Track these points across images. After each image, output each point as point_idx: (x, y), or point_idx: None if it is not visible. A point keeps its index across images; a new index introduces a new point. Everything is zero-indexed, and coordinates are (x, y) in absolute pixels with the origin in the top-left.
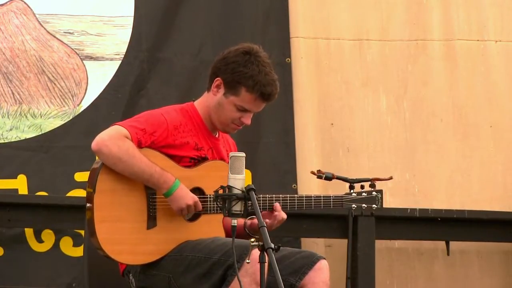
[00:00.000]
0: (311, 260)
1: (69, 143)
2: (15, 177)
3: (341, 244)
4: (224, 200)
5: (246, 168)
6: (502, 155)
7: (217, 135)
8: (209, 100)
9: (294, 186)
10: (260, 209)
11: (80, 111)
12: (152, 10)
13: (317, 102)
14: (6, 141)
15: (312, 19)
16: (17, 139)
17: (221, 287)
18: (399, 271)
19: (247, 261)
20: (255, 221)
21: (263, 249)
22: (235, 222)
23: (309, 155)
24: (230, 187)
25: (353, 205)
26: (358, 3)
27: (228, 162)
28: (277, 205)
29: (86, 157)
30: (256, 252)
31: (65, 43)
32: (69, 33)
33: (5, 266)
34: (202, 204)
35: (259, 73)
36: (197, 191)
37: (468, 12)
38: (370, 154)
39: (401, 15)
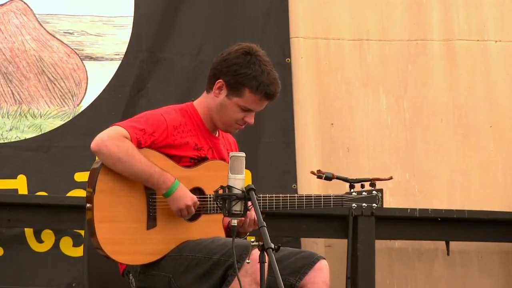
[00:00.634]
0: (311, 260)
1: (69, 143)
2: (15, 177)
3: (341, 244)
4: (224, 200)
5: (246, 168)
6: (502, 155)
7: (217, 135)
8: (209, 102)
9: (294, 186)
10: (260, 209)
11: (80, 111)
12: (152, 10)
13: (317, 102)
14: (6, 141)
15: (312, 19)
16: (17, 139)
17: (221, 287)
18: (399, 271)
19: (247, 261)
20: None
21: (263, 249)
22: (235, 222)
23: (309, 155)
24: (230, 187)
25: (354, 205)
26: (358, 3)
27: (228, 162)
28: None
29: (86, 157)
30: (256, 252)
31: (65, 43)
32: (69, 33)
33: (5, 266)
34: (202, 204)
35: (262, 73)
36: (197, 191)
37: (468, 12)
38: (370, 154)
39: (401, 15)
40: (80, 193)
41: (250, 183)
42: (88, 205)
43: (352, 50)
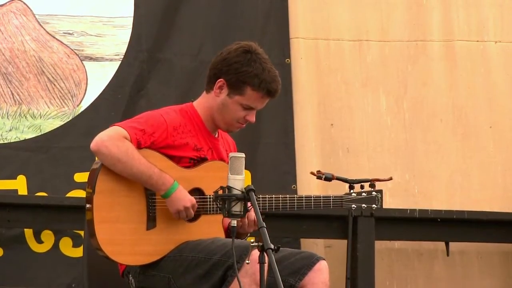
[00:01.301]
0: (310, 261)
1: (68, 144)
2: (15, 178)
3: (340, 245)
4: (224, 200)
5: (245, 168)
6: (502, 156)
7: (216, 135)
8: (210, 101)
9: (294, 186)
10: (260, 209)
11: (80, 111)
12: (152, 10)
13: (317, 103)
14: (5, 141)
15: (312, 19)
16: (17, 139)
17: None
18: (399, 272)
19: (247, 261)
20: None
21: (262, 249)
22: (234, 222)
23: (309, 156)
24: (229, 188)
25: (353, 205)
26: (358, 4)
27: (228, 163)
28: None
29: (86, 157)
30: (255, 253)
31: (64, 44)
32: (69, 33)
33: (5, 267)
34: (202, 205)
35: (263, 71)
36: (196, 191)
37: (468, 13)
38: (370, 154)
39: (401, 16)
40: (80, 193)
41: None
42: (87, 205)
43: (352, 50)
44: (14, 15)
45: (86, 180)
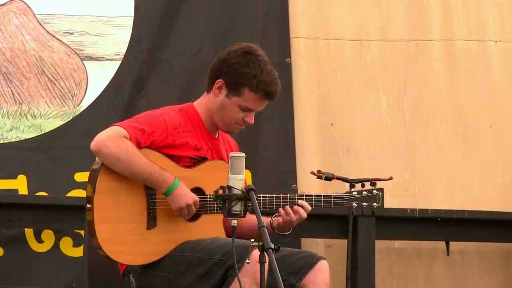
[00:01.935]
0: (311, 261)
1: (69, 143)
2: (15, 177)
3: (341, 244)
4: (224, 200)
5: (246, 168)
6: (502, 155)
7: (217, 136)
8: (210, 102)
9: (294, 186)
10: (260, 209)
11: (80, 111)
12: (152, 10)
13: (317, 102)
14: (6, 141)
15: (312, 19)
16: (17, 139)
17: None
18: (399, 271)
19: (247, 261)
20: (280, 220)
21: (263, 249)
22: (235, 222)
23: (309, 155)
24: (230, 187)
25: (354, 204)
26: (358, 3)
27: (228, 162)
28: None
29: (86, 157)
30: (256, 253)
31: (65, 43)
32: (69, 33)
33: (5, 267)
34: (202, 204)
35: (261, 73)
36: (197, 191)
37: (468, 13)
38: (370, 154)
39: (401, 15)
40: (80, 193)
41: (250, 183)
42: (88, 205)
43: (352, 50)
44: (15, 14)
45: (87, 180)
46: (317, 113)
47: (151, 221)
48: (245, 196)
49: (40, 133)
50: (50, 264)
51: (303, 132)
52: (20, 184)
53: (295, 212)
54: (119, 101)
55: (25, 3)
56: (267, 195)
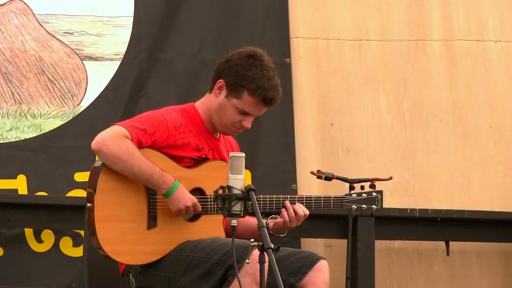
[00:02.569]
0: (310, 260)
1: (69, 143)
2: (15, 177)
3: (341, 244)
4: (224, 200)
5: (246, 168)
6: (502, 155)
7: (218, 136)
8: (210, 102)
9: (294, 186)
10: (260, 209)
11: (80, 111)
12: (152, 10)
13: (317, 102)
14: (6, 141)
15: (312, 19)
16: (17, 139)
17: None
18: (399, 271)
19: (247, 261)
20: (278, 220)
21: (263, 249)
22: (235, 222)
23: (309, 155)
24: (230, 187)
25: (353, 206)
26: (358, 3)
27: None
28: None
29: (86, 157)
30: (256, 252)
31: (64, 43)
32: (69, 33)
33: (5, 266)
34: (202, 205)
35: (262, 78)
36: (197, 191)
37: (468, 12)
38: (370, 154)
39: (401, 15)
40: (80, 193)
41: (250, 183)
42: (88, 205)
43: (352, 50)
44: (14, 14)
45: (87, 180)
46: (317, 113)
47: (152, 221)
48: (245, 196)
49: (40, 133)
50: (50, 264)
51: (303, 132)
52: (20, 184)
53: (295, 211)
54: (119, 101)
55: (24, 3)
56: (267, 196)
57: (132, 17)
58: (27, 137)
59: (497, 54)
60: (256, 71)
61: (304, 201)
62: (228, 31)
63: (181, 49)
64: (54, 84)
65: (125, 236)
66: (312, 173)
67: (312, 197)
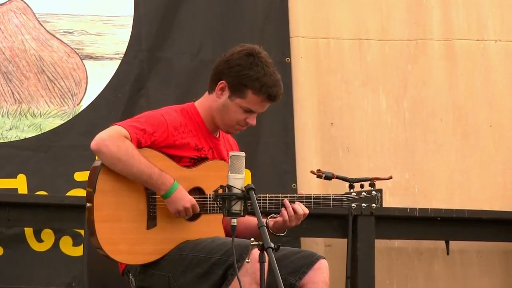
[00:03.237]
0: (310, 260)
1: (68, 143)
2: (15, 177)
3: (341, 244)
4: (224, 199)
5: (245, 167)
6: (502, 155)
7: (217, 136)
8: (211, 102)
9: (294, 185)
10: (260, 209)
11: (80, 110)
12: (152, 9)
13: (317, 102)
14: (5, 140)
15: (312, 18)
16: (17, 138)
17: (221, 287)
18: (399, 271)
19: (247, 260)
20: (278, 219)
21: (262, 248)
22: (234, 221)
23: (309, 155)
24: (229, 187)
25: (353, 205)
26: (358, 3)
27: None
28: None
29: (86, 156)
30: (256, 252)
31: (64, 43)
32: (69, 32)
33: (5, 266)
34: (202, 204)
35: (264, 75)
36: (197, 191)
37: (468, 12)
38: (370, 153)
39: (401, 15)
40: (80, 192)
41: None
42: (88, 204)
43: (352, 49)
44: (14, 14)
45: (86, 179)
46: (317, 113)
47: (151, 221)
48: (245, 195)
49: (39, 133)
50: (50, 264)
51: (302, 131)
52: (19, 184)
53: (295, 210)
54: (119, 100)
55: (25, 2)
56: (267, 195)
57: (132, 17)
58: (27, 137)
59: (497, 54)
60: (258, 69)
61: (304, 200)
62: (228, 31)
63: (181, 48)
64: (54, 84)
65: (124, 236)
66: (312, 172)
67: (311, 196)
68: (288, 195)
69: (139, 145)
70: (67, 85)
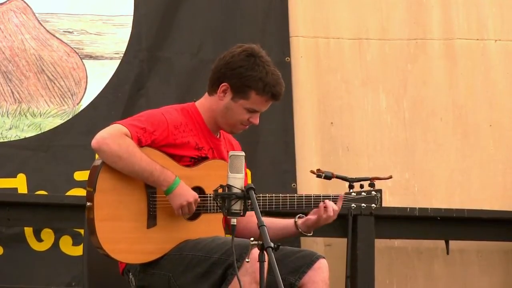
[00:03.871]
0: (310, 259)
1: (68, 142)
2: (15, 176)
3: (340, 243)
4: (224, 199)
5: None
6: (502, 155)
7: (218, 136)
8: (213, 104)
9: (294, 185)
10: (260, 208)
11: (80, 110)
12: (152, 9)
13: (317, 101)
14: (5, 140)
15: (312, 18)
16: (17, 138)
17: (221, 287)
18: (399, 270)
19: (247, 260)
20: (311, 217)
21: (262, 248)
22: (234, 221)
23: (309, 154)
24: (229, 186)
25: (353, 205)
26: (358, 2)
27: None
28: (326, 201)
29: (86, 156)
30: (255, 251)
31: (64, 42)
32: (69, 32)
33: (5, 265)
34: (202, 203)
35: (266, 75)
36: (197, 190)
37: (468, 11)
38: (369, 153)
39: (401, 14)
40: (80, 192)
41: (250, 182)
42: (88, 203)
43: (352, 49)
44: (14, 13)
45: (86, 179)
46: (317, 112)
47: (151, 220)
48: (245, 195)
49: (39, 132)
50: (50, 263)
51: (302, 131)
52: (19, 183)
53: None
54: (119, 100)
55: (24, 2)
56: (267, 194)
57: (132, 16)
58: (27, 136)
59: (497, 53)
60: (260, 70)
61: (304, 200)
62: (228, 30)
63: (181, 48)
64: (54, 83)
65: (124, 235)
66: (312, 172)
67: (311, 196)
68: (288, 195)
69: (139, 144)
70: (67, 85)
